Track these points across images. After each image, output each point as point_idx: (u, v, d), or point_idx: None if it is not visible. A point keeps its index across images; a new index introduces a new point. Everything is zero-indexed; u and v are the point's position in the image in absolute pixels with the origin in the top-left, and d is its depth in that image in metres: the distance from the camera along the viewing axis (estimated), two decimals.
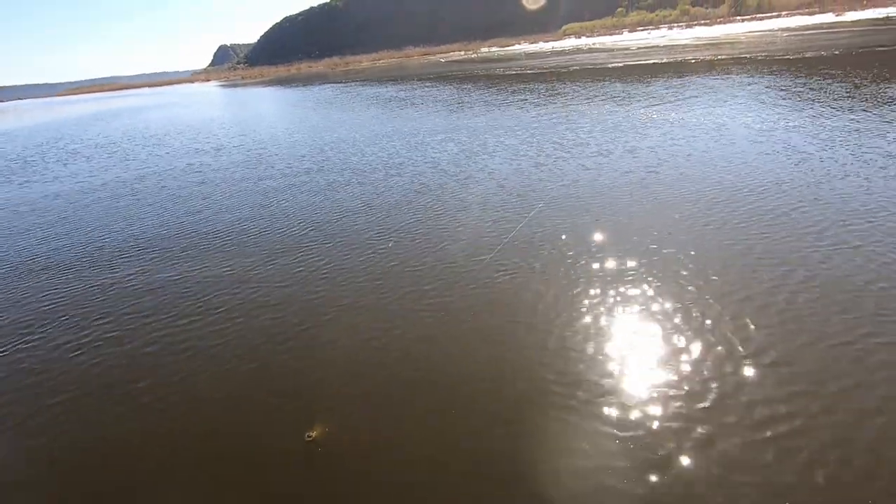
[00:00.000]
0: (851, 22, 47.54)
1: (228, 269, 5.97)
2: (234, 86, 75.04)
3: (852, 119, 10.02)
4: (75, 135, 25.46)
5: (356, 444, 3.07)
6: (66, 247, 7.50)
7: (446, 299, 4.67)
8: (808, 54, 23.26)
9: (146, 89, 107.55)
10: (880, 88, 12.86)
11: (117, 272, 6.25)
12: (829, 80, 14.94)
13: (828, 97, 12.53)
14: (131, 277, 6.04)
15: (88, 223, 8.69)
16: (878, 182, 6.44)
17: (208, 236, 7.28)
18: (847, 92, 12.95)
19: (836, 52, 22.59)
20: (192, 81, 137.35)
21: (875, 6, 69.87)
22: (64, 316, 5.18)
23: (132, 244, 7.29)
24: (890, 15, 50.61)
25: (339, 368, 3.83)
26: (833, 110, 11.02)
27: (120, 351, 4.41)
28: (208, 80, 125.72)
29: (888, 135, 8.59)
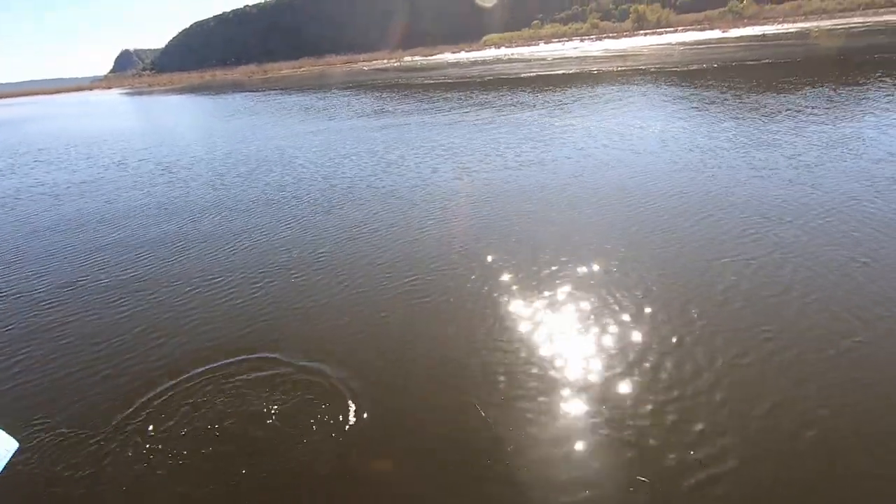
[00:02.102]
0: (735, 38, 53.12)
1: (123, 304, 5.56)
2: (140, 93, 69.63)
3: (733, 125, 11.24)
4: None
5: None
6: None
7: (369, 327, 4.66)
8: (693, 66, 25.78)
9: (32, 98, 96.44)
10: (759, 97, 14.52)
11: None
12: (715, 91, 16.62)
13: (712, 105, 13.95)
14: (16, 321, 5.43)
15: None
16: (764, 187, 7.28)
17: (106, 263, 6.73)
18: (727, 101, 14.50)
19: (715, 66, 25.22)
20: (91, 89, 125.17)
21: (753, 24, 78.95)
22: None
23: (15, 277, 6.56)
24: (765, 33, 57.22)
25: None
26: (716, 117, 12.33)
27: None
28: (110, 88, 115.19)
29: (764, 138, 9.73)
